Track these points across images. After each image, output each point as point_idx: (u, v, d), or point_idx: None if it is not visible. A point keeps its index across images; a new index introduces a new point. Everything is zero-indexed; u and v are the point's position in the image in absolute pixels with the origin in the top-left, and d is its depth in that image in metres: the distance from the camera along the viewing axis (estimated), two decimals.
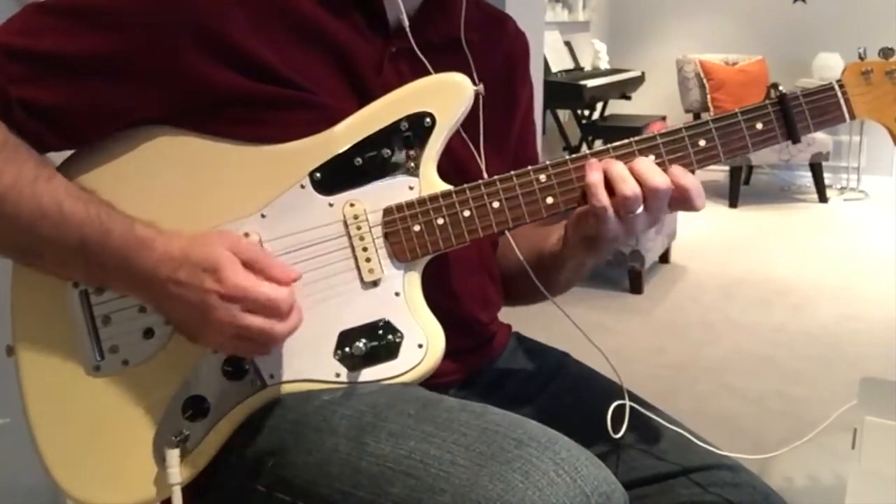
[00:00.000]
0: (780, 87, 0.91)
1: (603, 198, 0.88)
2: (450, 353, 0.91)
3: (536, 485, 0.74)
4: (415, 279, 0.91)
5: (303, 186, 0.90)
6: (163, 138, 0.90)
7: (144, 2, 0.87)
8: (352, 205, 0.90)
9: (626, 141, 0.90)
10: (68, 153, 0.93)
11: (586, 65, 5.77)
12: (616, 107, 5.95)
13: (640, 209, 0.88)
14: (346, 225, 0.90)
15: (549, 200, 0.90)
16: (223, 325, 0.82)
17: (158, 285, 0.84)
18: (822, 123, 0.92)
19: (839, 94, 0.91)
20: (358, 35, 0.95)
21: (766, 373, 2.97)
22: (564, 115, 5.75)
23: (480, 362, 1.07)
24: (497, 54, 1.09)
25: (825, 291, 3.79)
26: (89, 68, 0.87)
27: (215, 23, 0.87)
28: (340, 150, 0.90)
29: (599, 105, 5.66)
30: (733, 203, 5.42)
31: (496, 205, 0.90)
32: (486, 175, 0.93)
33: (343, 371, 0.89)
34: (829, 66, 5.41)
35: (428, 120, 0.90)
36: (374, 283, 0.90)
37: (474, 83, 0.92)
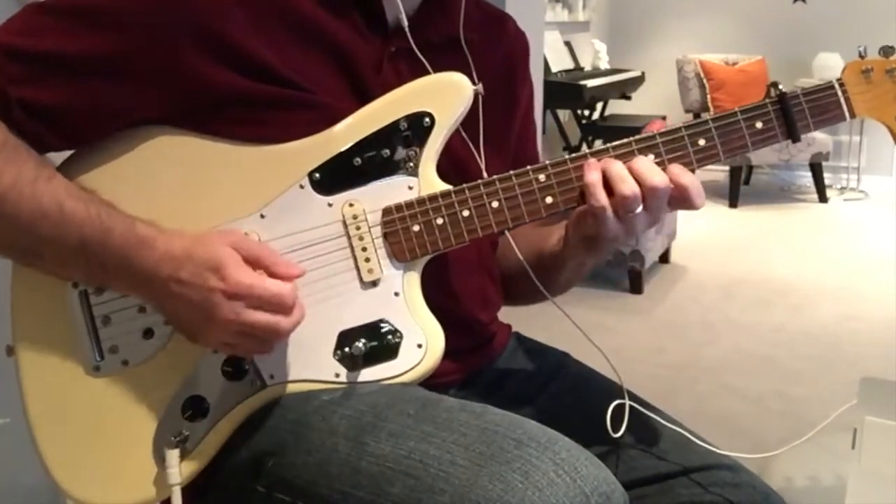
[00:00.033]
0: (780, 86, 0.91)
1: (601, 198, 0.87)
2: (449, 353, 0.91)
3: (536, 485, 0.74)
4: (414, 279, 0.91)
5: (302, 186, 0.90)
6: (162, 138, 0.90)
7: (144, 2, 0.87)
8: (351, 205, 0.90)
9: (625, 140, 0.90)
10: (68, 153, 0.93)
11: (586, 65, 5.77)
12: (616, 107, 5.96)
13: (640, 209, 0.87)
14: (345, 225, 0.90)
15: (549, 200, 0.90)
16: (227, 322, 0.82)
17: (160, 284, 0.84)
18: (822, 122, 0.91)
19: (839, 93, 0.91)
20: (357, 35, 0.95)
21: (766, 373, 2.97)
22: (564, 115, 5.75)
23: (480, 362, 1.07)
24: (497, 54, 1.09)
25: (825, 291, 3.79)
26: (89, 68, 0.87)
27: (215, 23, 0.87)
28: (339, 150, 0.90)
29: (599, 105, 5.67)
30: (733, 203, 5.42)
31: (495, 205, 0.90)
32: (485, 175, 0.93)
33: (343, 371, 0.89)
34: (829, 66, 5.41)
35: (427, 120, 0.90)
36: (374, 283, 0.90)
37: (473, 83, 0.92)
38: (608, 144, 0.91)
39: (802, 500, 1.75)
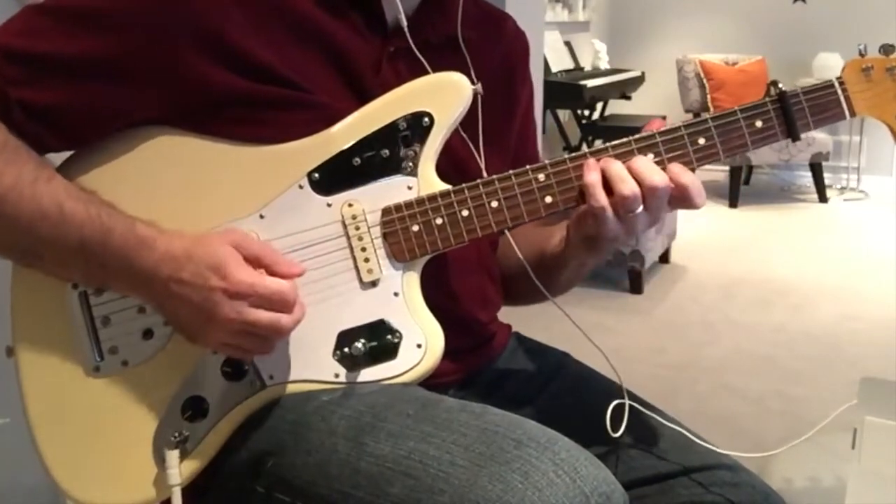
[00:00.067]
0: (780, 85, 0.91)
1: (601, 198, 0.87)
2: (449, 352, 0.91)
3: (536, 485, 0.74)
4: (414, 279, 0.91)
5: (301, 187, 0.90)
6: (162, 138, 0.90)
7: (143, 3, 0.87)
8: (350, 205, 0.90)
9: (625, 140, 0.90)
10: (68, 154, 0.93)
11: (586, 65, 5.78)
12: (616, 107, 5.96)
13: (640, 208, 0.87)
14: (344, 225, 0.90)
15: (548, 200, 0.90)
16: (229, 321, 0.82)
17: (160, 285, 0.84)
18: (822, 121, 0.91)
19: (839, 92, 0.91)
20: (356, 35, 0.95)
21: (766, 373, 2.96)
22: (564, 115, 5.76)
23: (480, 362, 1.07)
24: (496, 53, 1.09)
25: (825, 291, 3.79)
26: (88, 69, 0.87)
27: (214, 23, 0.87)
28: (338, 150, 0.90)
29: (599, 105, 5.67)
30: (733, 203, 5.41)
31: (495, 204, 0.90)
32: (485, 174, 0.92)
33: (342, 371, 0.89)
34: (829, 65, 5.41)
35: (426, 119, 0.90)
36: (373, 284, 0.90)
37: (472, 82, 0.92)
38: (608, 144, 0.90)
39: (802, 500, 1.75)
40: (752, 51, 5.88)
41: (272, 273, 0.84)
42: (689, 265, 4.19)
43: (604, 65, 5.88)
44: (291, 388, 0.90)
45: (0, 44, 0.86)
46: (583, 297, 3.51)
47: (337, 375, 0.89)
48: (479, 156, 0.98)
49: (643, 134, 0.90)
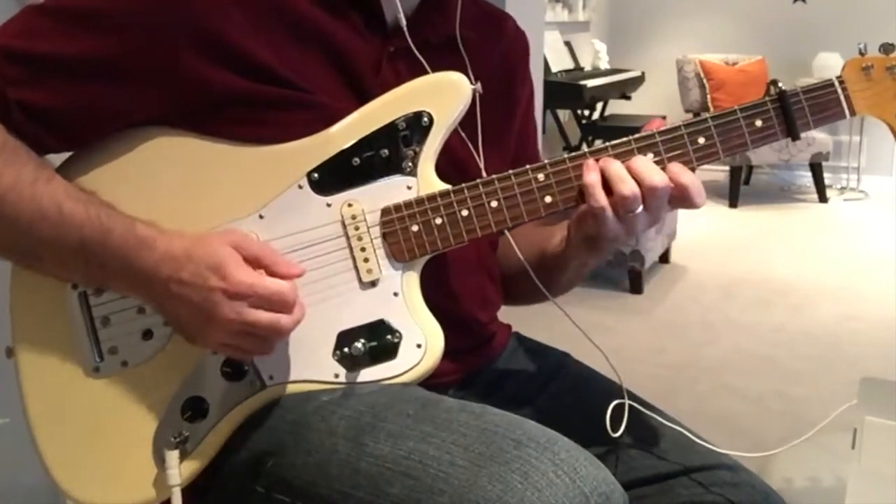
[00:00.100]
0: (780, 84, 0.91)
1: (601, 198, 0.87)
2: (449, 352, 0.91)
3: (535, 485, 0.74)
4: (413, 279, 0.91)
5: (300, 187, 0.90)
6: (161, 139, 0.90)
7: (142, 3, 0.87)
8: (350, 205, 0.90)
9: (624, 139, 0.90)
10: (68, 154, 0.92)
11: (586, 65, 5.78)
12: (616, 107, 5.96)
13: (640, 208, 0.87)
14: (343, 225, 0.90)
15: (548, 199, 0.90)
16: (229, 322, 0.82)
17: (160, 285, 0.84)
18: (822, 120, 0.91)
19: (839, 91, 0.91)
20: (355, 35, 0.95)
21: (766, 373, 2.96)
22: (564, 115, 5.76)
23: (480, 362, 1.07)
24: (495, 53, 1.09)
25: (825, 291, 3.78)
26: (88, 70, 0.87)
27: (213, 23, 0.87)
28: (338, 150, 0.90)
29: (599, 105, 5.67)
30: (733, 203, 5.41)
31: (494, 204, 0.90)
32: (485, 174, 0.92)
33: (342, 371, 0.89)
34: (829, 65, 5.41)
35: (426, 119, 0.90)
36: (373, 284, 0.90)
37: (472, 82, 0.92)
38: (607, 143, 0.90)
39: (802, 499, 1.75)
40: (752, 51, 5.88)
41: (272, 273, 0.84)
42: (689, 265, 4.19)
43: (604, 65, 5.88)
44: (291, 388, 0.90)
45: (0, 44, 0.86)
46: (583, 297, 3.51)
47: (337, 375, 0.89)
48: (479, 156, 0.98)
49: (643, 133, 0.90)
